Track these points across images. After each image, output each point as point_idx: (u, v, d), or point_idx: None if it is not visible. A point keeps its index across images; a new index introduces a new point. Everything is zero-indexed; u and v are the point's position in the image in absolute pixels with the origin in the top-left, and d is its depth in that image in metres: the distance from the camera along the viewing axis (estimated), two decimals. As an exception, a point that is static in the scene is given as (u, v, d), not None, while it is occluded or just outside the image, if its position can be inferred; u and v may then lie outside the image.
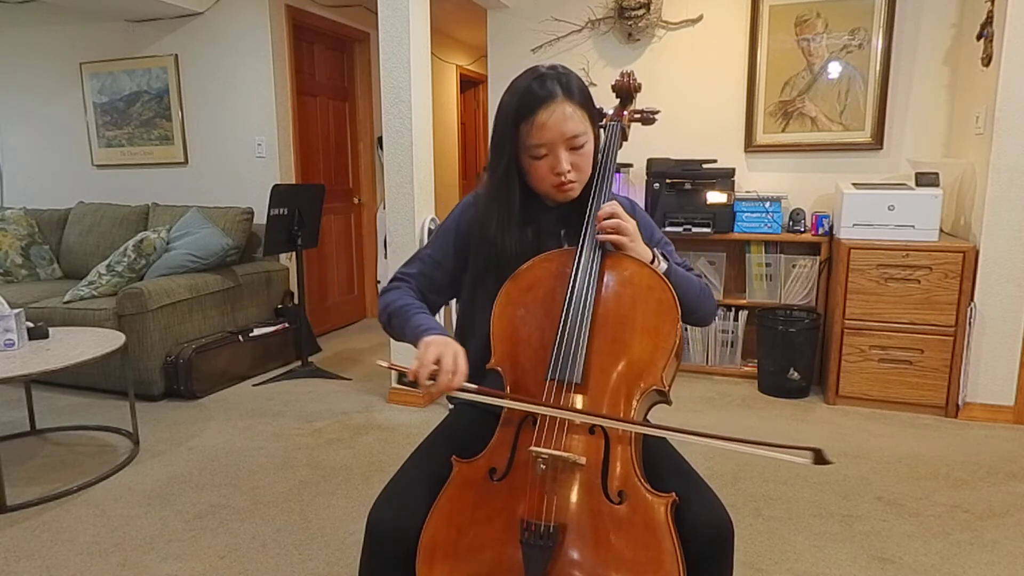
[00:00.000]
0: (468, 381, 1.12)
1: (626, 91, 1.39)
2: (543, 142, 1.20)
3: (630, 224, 1.21)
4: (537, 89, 1.20)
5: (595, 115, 1.27)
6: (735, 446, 1.02)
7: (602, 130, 1.37)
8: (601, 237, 1.20)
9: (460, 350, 1.12)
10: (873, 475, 2.47)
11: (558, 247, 1.29)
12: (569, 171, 1.22)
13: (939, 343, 2.97)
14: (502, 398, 1.12)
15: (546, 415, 1.10)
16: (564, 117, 1.19)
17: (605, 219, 1.20)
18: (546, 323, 1.18)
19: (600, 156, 1.30)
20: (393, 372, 1.10)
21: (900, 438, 2.81)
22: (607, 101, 1.42)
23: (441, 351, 1.10)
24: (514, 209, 1.26)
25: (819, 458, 0.98)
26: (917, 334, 3.00)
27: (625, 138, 1.38)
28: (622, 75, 1.39)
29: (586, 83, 1.28)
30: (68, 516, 2.25)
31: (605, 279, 1.19)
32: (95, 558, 2.01)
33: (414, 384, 1.08)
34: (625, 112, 1.39)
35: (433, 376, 1.09)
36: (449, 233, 1.36)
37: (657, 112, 1.40)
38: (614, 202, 1.24)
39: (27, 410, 3.00)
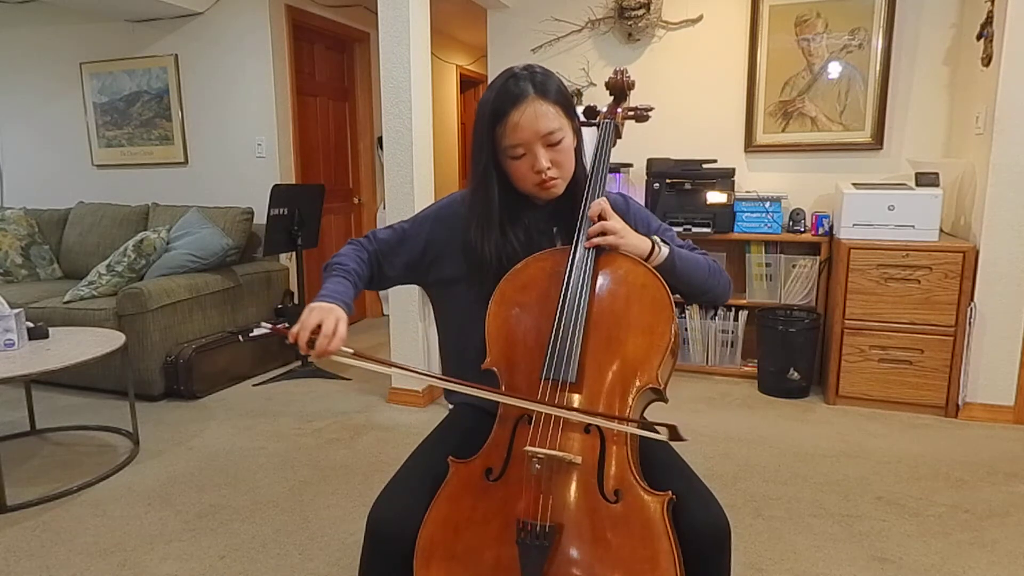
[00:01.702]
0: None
1: (619, 88, 1.38)
2: (519, 142, 1.20)
3: (616, 223, 1.20)
4: (511, 89, 1.20)
5: (572, 111, 1.26)
6: (597, 420, 1.09)
7: (595, 128, 1.37)
8: (588, 244, 1.19)
9: (343, 317, 1.16)
10: (873, 475, 2.47)
11: (551, 245, 1.29)
12: (549, 168, 1.22)
13: (939, 343, 2.97)
14: (394, 367, 1.15)
15: (541, 413, 1.10)
16: (537, 115, 1.19)
17: (591, 225, 1.20)
18: (541, 322, 1.18)
19: (593, 154, 1.30)
20: (281, 338, 1.15)
21: (900, 438, 2.81)
22: (604, 100, 1.42)
23: (323, 316, 1.13)
24: (493, 214, 1.26)
25: (674, 434, 1.05)
26: (917, 334, 3.00)
27: (619, 135, 1.37)
28: (615, 72, 1.38)
29: (584, 83, 1.28)
30: (68, 516, 2.25)
31: (599, 277, 1.19)
32: (95, 558, 2.01)
33: (294, 347, 1.12)
34: (619, 109, 1.38)
35: (312, 341, 1.12)
36: (428, 219, 1.37)
37: (651, 109, 1.39)
38: (602, 200, 1.23)
39: (27, 410, 3.00)
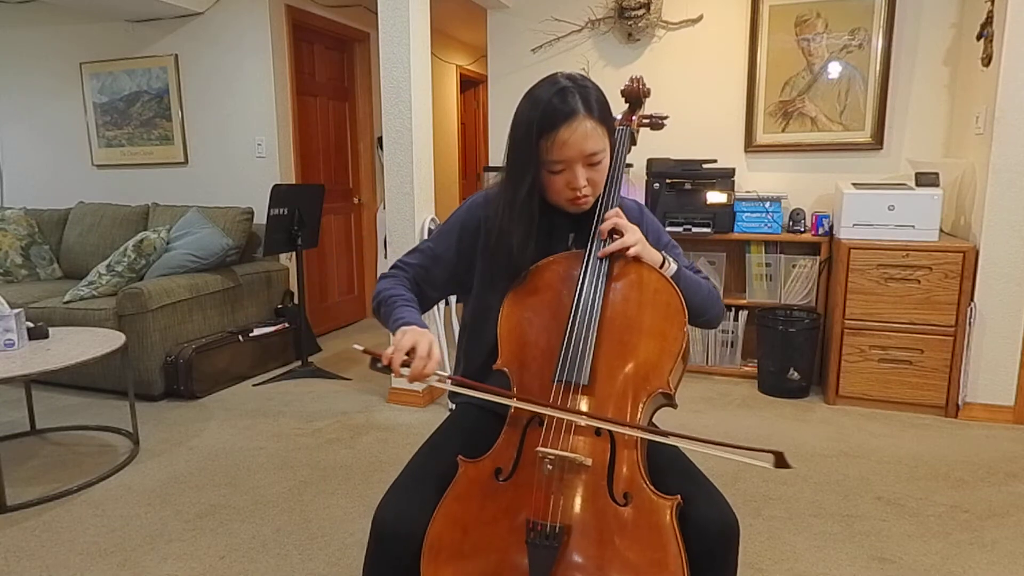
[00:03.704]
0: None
1: (635, 96, 1.40)
2: (562, 158, 1.20)
3: (631, 235, 1.21)
4: (559, 104, 1.18)
5: (613, 129, 1.26)
6: (698, 446, 1.06)
7: None
8: (601, 254, 1.20)
9: (434, 340, 1.14)
10: (873, 475, 2.48)
11: (565, 249, 1.29)
12: (585, 186, 1.22)
13: (939, 343, 2.98)
14: (480, 390, 1.13)
15: (553, 415, 1.11)
16: (585, 135, 1.18)
17: (608, 234, 1.21)
18: (553, 325, 1.18)
19: (610, 161, 1.30)
20: (373, 360, 1.14)
21: (900, 438, 2.81)
22: (613, 105, 1.42)
23: (417, 339, 1.12)
24: (534, 225, 1.26)
25: (780, 461, 1.01)
26: (917, 334, 3.00)
27: (634, 143, 1.39)
28: (631, 80, 1.40)
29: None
30: (68, 516, 2.25)
31: (613, 282, 1.20)
32: (95, 558, 2.00)
33: (387, 369, 1.10)
34: (634, 117, 1.40)
35: (407, 363, 1.11)
36: (453, 231, 1.36)
37: (666, 117, 1.41)
38: (616, 210, 1.24)
39: (27, 410, 3.00)
